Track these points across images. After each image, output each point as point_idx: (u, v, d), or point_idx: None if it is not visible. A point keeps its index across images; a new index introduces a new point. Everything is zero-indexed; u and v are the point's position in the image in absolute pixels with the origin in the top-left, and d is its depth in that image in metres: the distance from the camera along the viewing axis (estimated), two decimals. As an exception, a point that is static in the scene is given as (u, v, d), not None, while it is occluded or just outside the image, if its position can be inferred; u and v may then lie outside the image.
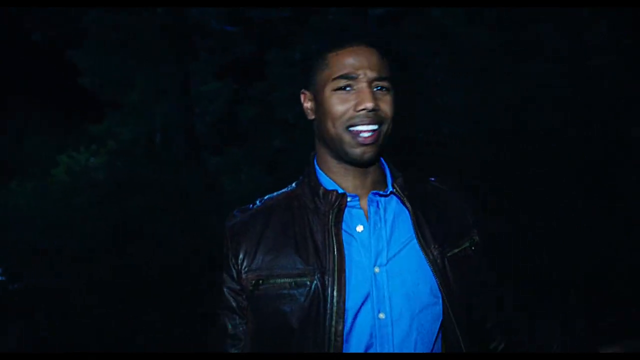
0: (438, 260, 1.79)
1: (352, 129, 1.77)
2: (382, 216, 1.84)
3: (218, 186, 11.32)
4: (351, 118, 1.76)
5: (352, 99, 1.76)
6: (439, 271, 1.78)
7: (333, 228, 1.79)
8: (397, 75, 1.84)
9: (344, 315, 1.72)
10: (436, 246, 1.80)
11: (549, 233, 7.22)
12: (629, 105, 7.95)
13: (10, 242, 8.35)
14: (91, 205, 9.54)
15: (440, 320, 1.78)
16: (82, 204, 9.76)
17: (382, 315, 1.73)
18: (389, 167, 1.92)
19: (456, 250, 1.84)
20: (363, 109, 1.74)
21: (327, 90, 1.79)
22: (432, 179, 1.99)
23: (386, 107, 1.77)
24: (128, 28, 12.31)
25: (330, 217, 1.81)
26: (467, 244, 1.87)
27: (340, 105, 1.77)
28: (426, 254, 1.79)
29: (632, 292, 6.11)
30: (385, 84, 1.78)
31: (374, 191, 1.86)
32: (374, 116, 1.75)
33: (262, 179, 11.34)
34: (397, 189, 1.87)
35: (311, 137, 1.97)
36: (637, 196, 7.25)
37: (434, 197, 1.92)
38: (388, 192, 1.88)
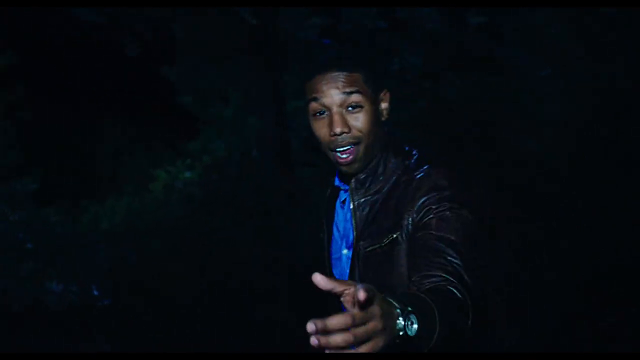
0: (355, 256, 2.00)
1: (333, 152, 2.00)
2: (345, 212, 2.13)
3: (310, 199, 11.12)
4: (330, 142, 1.98)
5: (327, 124, 1.97)
6: (351, 266, 2.02)
7: (328, 213, 2.24)
8: (377, 85, 1.99)
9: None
10: (360, 242, 1.99)
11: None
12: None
13: (102, 259, 8.26)
14: (184, 219, 9.48)
15: None
16: (176, 219, 9.71)
17: None
18: (377, 162, 2.04)
19: (376, 246, 1.95)
20: (334, 134, 1.95)
21: (310, 115, 2.03)
22: (419, 171, 1.97)
23: (359, 124, 1.93)
24: (220, 42, 12.22)
25: (329, 204, 2.25)
26: (385, 241, 1.93)
27: (319, 130, 2.00)
28: (355, 249, 2.01)
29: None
30: (356, 99, 1.92)
31: (342, 184, 2.19)
32: (347, 137, 1.95)
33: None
34: (352, 185, 2.07)
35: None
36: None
37: (397, 191, 1.97)
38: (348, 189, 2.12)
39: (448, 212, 1.83)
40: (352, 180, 2.06)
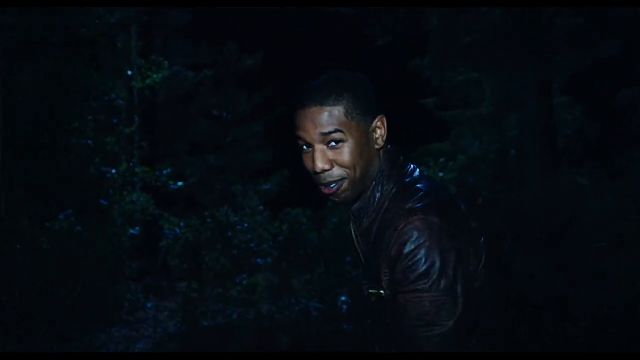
0: (364, 292, 1.88)
1: (318, 186, 1.87)
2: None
3: (579, 208, 9.88)
4: (314, 177, 1.85)
5: (311, 159, 1.82)
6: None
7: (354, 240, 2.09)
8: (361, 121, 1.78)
9: None
10: (364, 281, 1.88)
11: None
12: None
13: (350, 269, 7.53)
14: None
15: None
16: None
17: None
18: (373, 189, 1.88)
19: (374, 291, 1.81)
20: (315, 172, 1.81)
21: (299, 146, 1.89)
22: (399, 210, 1.76)
23: (342, 158, 1.79)
24: (477, 30, 11.23)
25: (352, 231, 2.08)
26: (377, 290, 1.80)
27: (306, 163, 1.85)
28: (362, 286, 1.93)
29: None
30: (336, 137, 1.78)
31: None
32: (327, 176, 1.81)
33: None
34: (351, 217, 1.96)
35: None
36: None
37: (382, 228, 1.81)
38: None
39: (410, 296, 1.69)
40: (350, 211, 1.93)
